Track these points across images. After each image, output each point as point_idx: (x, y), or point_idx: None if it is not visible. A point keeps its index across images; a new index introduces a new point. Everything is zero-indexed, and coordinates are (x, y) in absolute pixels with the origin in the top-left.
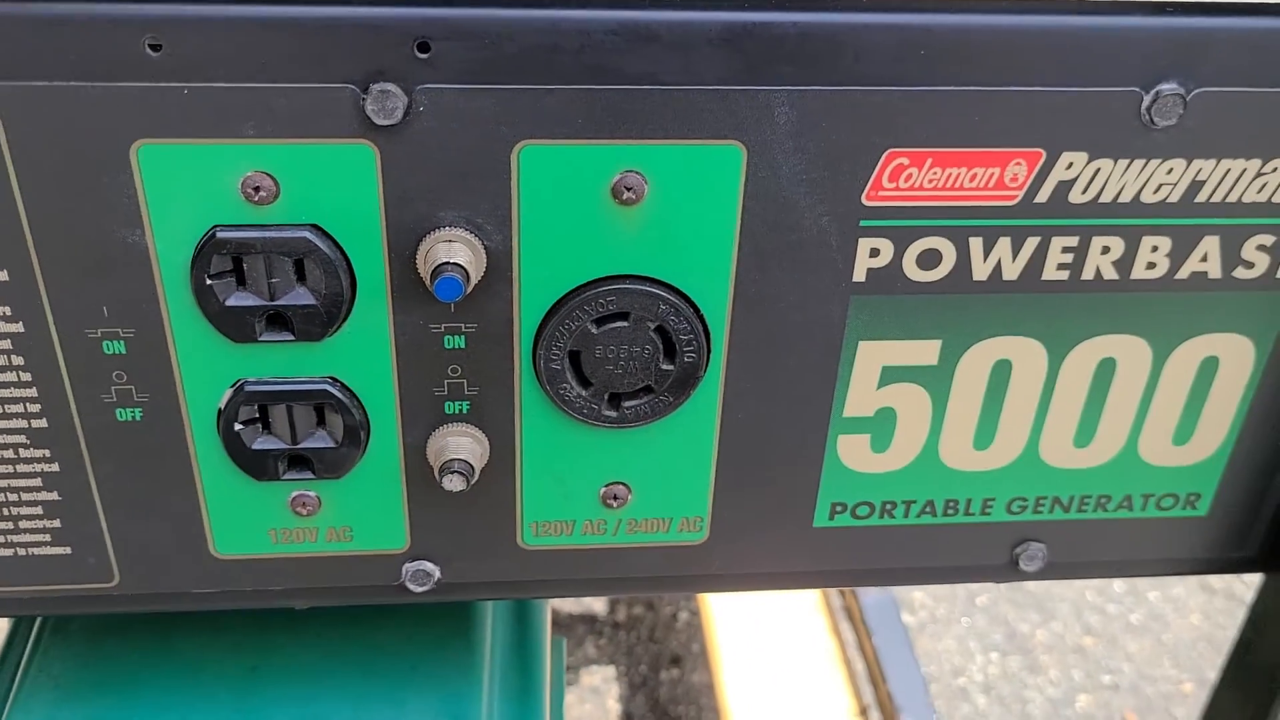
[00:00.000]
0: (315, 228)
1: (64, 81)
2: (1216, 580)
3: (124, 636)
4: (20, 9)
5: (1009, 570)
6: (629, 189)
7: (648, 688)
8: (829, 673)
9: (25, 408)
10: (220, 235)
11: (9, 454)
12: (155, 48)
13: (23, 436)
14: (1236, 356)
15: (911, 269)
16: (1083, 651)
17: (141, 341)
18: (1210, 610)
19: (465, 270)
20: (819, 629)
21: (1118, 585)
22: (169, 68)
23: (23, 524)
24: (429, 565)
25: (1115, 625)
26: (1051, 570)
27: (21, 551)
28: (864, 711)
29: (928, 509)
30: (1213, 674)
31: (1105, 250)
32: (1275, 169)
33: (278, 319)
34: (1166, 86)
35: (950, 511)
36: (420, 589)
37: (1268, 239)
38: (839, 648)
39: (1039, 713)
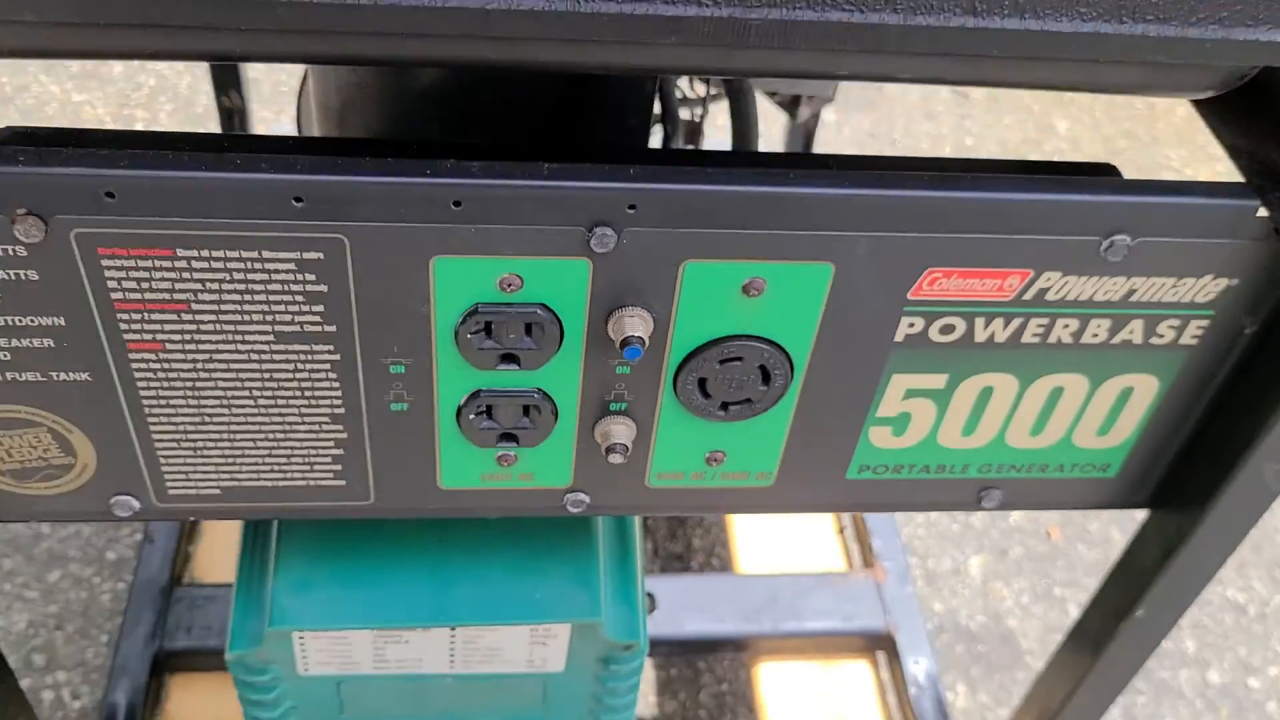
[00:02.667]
0: (544, 306)
1: (392, 223)
2: None
3: (344, 532)
4: (376, 181)
5: (975, 505)
6: (754, 288)
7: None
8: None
9: (331, 401)
10: (480, 310)
11: (315, 427)
12: (458, 204)
13: (327, 417)
14: (1146, 387)
15: (935, 335)
16: None
17: (415, 365)
18: None
19: (643, 339)
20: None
21: None
22: (464, 215)
23: (316, 468)
24: (583, 495)
25: None
26: (1003, 505)
27: (313, 483)
28: (841, 531)
29: (924, 470)
30: None
31: (1066, 326)
32: (1186, 283)
33: (509, 356)
34: (1119, 237)
35: (940, 472)
36: (576, 510)
37: (1175, 321)
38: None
39: (979, 522)
